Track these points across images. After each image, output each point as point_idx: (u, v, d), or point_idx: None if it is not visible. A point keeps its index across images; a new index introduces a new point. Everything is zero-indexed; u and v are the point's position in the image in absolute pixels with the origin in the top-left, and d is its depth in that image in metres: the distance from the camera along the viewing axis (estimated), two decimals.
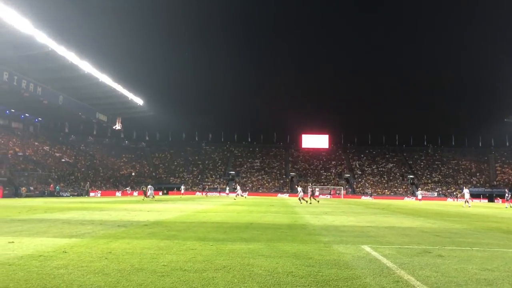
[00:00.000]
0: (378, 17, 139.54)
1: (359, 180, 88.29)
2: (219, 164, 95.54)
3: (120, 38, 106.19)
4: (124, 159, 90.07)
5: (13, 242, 8.07)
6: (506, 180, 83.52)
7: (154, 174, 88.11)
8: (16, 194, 40.17)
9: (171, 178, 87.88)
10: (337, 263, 6.48)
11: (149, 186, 41.56)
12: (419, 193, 60.55)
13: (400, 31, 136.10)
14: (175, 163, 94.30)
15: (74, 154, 72.35)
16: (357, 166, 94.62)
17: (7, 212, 17.08)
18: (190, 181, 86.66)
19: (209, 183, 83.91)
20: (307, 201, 34.12)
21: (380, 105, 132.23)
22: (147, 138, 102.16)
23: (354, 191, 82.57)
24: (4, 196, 37.77)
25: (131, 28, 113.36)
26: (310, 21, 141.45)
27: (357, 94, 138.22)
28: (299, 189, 35.17)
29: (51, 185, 45.72)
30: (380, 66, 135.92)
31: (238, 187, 55.95)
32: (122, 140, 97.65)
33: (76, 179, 57.74)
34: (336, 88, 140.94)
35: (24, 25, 40.93)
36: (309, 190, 36.92)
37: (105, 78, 59.28)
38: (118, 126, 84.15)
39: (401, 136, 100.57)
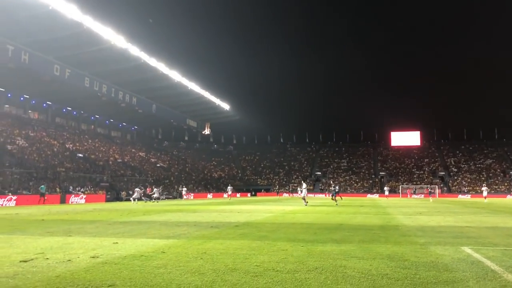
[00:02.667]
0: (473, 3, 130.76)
1: (455, 178, 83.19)
2: (304, 165, 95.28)
3: (206, 47, 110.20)
4: (213, 162, 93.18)
5: (117, 242, 8.68)
6: None
7: (241, 176, 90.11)
8: (117, 198, 43.16)
9: (258, 179, 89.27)
10: (436, 265, 6.16)
11: (156, 189, 38.40)
12: (484, 189, 54.03)
13: (497, 14, 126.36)
14: (262, 165, 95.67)
15: (168, 159, 76.16)
16: (453, 163, 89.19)
17: (110, 215, 18.41)
18: (277, 182, 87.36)
19: (295, 185, 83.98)
20: (336, 201, 31.28)
21: (475, 97, 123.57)
22: (234, 142, 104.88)
23: (450, 190, 77.95)
24: (107, 200, 40.79)
25: (217, 37, 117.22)
26: (394, 13, 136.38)
27: (449, 86, 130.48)
28: (303, 186, 29.42)
29: (148, 188, 48.52)
30: (473, 53, 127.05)
31: (304, 186, 30.56)
32: (211, 144, 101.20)
33: (171, 183, 60.70)
34: (426, 81, 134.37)
35: (119, 40, 44.08)
36: (332, 189, 34.48)
37: (193, 86, 62.02)
38: (207, 131, 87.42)
39: (501, 129, 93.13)
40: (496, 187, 77.67)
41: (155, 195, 36.65)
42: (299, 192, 36.99)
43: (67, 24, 37.98)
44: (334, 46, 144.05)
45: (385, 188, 57.78)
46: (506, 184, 78.50)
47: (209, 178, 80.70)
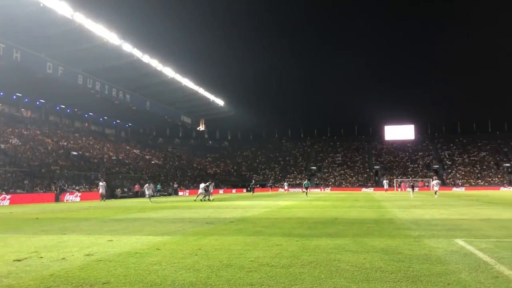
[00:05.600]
0: None
1: (449, 171, 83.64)
2: (300, 160, 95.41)
3: (199, 43, 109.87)
4: (209, 158, 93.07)
5: (112, 240, 8.68)
6: None
7: (238, 172, 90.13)
8: (113, 196, 43.04)
9: (254, 175, 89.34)
10: (429, 258, 6.21)
11: (146, 185, 33.71)
12: (386, 182, 54.35)
13: (489, 9, 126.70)
14: (257, 161, 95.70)
15: (162, 156, 76.00)
16: (447, 156, 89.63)
17: (105, 212, 18.38)
18: (273, 177, 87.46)
19: (291, 179, 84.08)
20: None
21: (468, 90, 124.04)
22: (229, 138, 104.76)
23: (444, 183, 78.33)
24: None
25: (210, 33, 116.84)
26: (388, 8, 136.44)
27: (442, 80, 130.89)
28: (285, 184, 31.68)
29: (136, 186, 48.37)
30: (466, 47, 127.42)
31: (207, 185, 31.65)
32: (206, 140, 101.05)
33: (166, 180, 60.61)
34: (420, 75, 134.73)
35: (111, 37, 43.85)
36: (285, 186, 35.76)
37: (187, 82, 61.87)
38: (201, 127, 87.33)
39: (494, 122, 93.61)
40: (490, 179, 78.22)
41: (147, 192, 34.81)
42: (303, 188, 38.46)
43: (58, 21, 37.70)
44: (329, 41, 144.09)
45: (384, 182, 57.51)
46: (499, 176, 79.04)
47: (205, 174, 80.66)
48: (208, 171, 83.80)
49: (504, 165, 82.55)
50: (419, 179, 78.81)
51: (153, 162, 68.33)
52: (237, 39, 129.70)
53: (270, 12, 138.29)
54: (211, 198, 31.33)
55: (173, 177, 64.14)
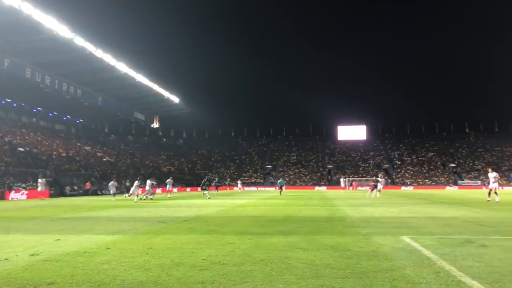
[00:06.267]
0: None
1: (399, 170, 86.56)
2: (255, 158, 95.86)
3: (154, 38, 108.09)
4: (163, 156, 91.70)
5: (59, 239, 8.40)
6: None
7: (193, 170, 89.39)
8: (62, 194, 41.66)
9: (209, 174, 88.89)
10: (376, 254, 6.41)
11: (136, 182, 29.69)
12: (343, 180, 56.70)
13: (439, 14, 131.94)
14: (213, 159, 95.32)
15: (115, 153, 74.21)
16: (396, 156, 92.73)
17: (54, 211, 17.76)
18: (228, 176, 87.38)
19: (246, 178, 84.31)
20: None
21: (418, 93, 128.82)
22: (184, 135, 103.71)
23: (393, 182, 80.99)
24: (51, 196, 39.23)
25: (165, 29, 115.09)
26: (342, 6, 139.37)
27: (393, 83, 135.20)
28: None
29: (87, 184, 47.11)
30: (418, 53, 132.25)
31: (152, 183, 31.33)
32: (160, 138, 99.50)
33: (118, 178, 59.25)
34: (372, 77, 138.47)
35: (62, 30, 42.35)
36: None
37: (141, 78, 60.74)
38: (156, 125, 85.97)
39: (441, 124, 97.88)
40: (437, 179, 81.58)
41: (112, 190, 32.96)
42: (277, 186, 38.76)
43: (4, 10, 36.03)
44: (285, 41, 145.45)
45: (341, 180, 58.85)
46: (445, 176, 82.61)
47: (158, 172, 79.43)
48: (162, 169, 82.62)
49: (449, 165, 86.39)
50: (370, 178, 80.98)
51: (105, 159, 66.60)
52: (194, 36, 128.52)
53: (228, 8, 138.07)
54: (152, 197, 29.83)
55: (125, 175, 62.77)
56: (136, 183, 29.10)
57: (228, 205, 20.67)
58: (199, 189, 39.31)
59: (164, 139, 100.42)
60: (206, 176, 37.14)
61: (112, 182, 32.71)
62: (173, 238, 8.43)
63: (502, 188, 39.70)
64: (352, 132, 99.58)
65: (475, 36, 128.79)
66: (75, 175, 50.07)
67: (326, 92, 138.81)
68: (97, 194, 47.15)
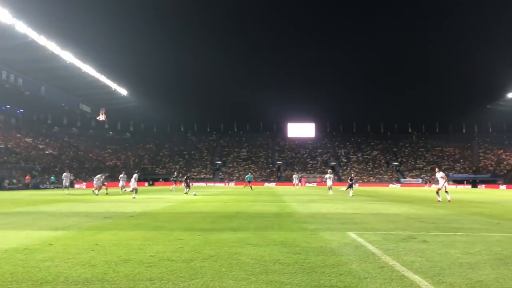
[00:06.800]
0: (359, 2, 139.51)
1: (345, 168, 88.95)
2: (205, 154, 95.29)
3: (102, 28, 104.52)
4: (109, 150, 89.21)
5: None
6: (488, 166, 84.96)
7: (140, 165, 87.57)
8: (0, 187, 39.66)
9: (157, 168, 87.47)
10: (324, 250, 6.55)
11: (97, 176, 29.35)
12: (295, 177, 58.33)
13: (383, 16, 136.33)
14: (161, 154, 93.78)
15: (58, 146, 71.40)
16: (343, 154, 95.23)
17: None
18: (176, 171, 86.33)
19: (195, 174, 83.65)
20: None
21: (364, 93, 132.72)
22: (131, 129, 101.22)
23: (340, 179, 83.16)
24: None
25: (114, 19, 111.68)
26: (293, 7, 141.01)
27: (342, 82, 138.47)
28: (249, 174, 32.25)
29: (27, 177, 45.15)
30: (365, 54, 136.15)
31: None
32: (107, 131, 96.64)
33: (61, 171, 57.08)
34: (322, 76, 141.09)
35: (3, 14, 40.12)
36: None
37: (88, 69, 58.68)
38: (102, 117, 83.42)
39: (386, 124, 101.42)
40: (381, 176, 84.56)
41: (95, 182, 29.49)
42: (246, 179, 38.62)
43: None
44: (236, 37, 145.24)
45: (294, 176, 59.50)
46: (389, 174, 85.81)
47: (104, 166, 77.27)
48: (108, 163, 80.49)
49: (393, 163, 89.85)
50: (318, 175, 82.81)
51: (47, 152, 63.96)
52: (144, 28, 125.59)
53: (179, 1, 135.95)
54: (106, 191, 29.58)
55: (69, 168, 60.54)
56: (64, 174, 28.59)
57: (176, 201, 20.44)
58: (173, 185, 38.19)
59: (111, 132, 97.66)
60: (188, 173, 36.12)
61: (65, 173, 30.87)
62: (120, 234, 8.23)
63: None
64: (301, 130, 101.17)
65: (420, 37, 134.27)
66: (14, 168, 47.77)
67: (277, 90, 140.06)
68: (39, 188, 45.28)
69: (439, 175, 21.01)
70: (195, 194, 27.53)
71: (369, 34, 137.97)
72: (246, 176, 41.99)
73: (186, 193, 28.50)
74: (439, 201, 20.09)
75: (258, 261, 5.67)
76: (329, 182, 32.36)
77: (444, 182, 20.64)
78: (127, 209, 14.93)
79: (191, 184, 31.99)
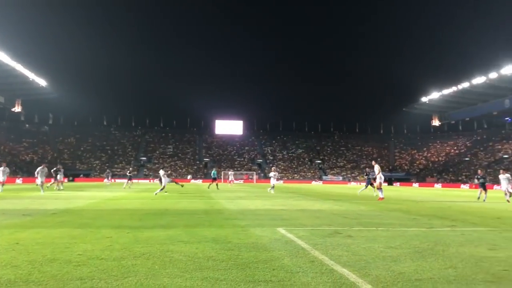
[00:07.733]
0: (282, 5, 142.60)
1: (271, 165, 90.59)
2: (129, 149, 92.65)
3: (20, 13, 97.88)
4: (24, 143, 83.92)
5: None
6: (403, 165, 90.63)
7: (59, 159, 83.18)
8: None
9: (78, 164, 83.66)
10: (256, 245, 6.66)
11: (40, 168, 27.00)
12: (231, 173, 59.31)
13: (305, 19, 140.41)
14: (82, 149, 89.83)
15: None
16: (269, 151, 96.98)
17: None
18: (98, 167, 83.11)
19: (118, 170, 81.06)
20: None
21: (290, 92, 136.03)
22: (50, 122, 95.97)
23: (266, 176, 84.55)
24: None
25: (37, 5, 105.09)
26: (220, 2, 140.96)
27: (270, 81, 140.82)
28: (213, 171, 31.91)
29: None
30: (293, 56, 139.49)
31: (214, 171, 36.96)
32: (22, 123, 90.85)
33: None
34: (250, 74, 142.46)
35: None
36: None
37: (2, 56, 54.69)
38: (17, 109, 78.37)
39: (310, 123, 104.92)
40: (304, 174, 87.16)
41: (40, 179, 26.43)
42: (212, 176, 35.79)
43: None
44: (165, 33, 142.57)
45: (230, 173, 59.50)
46: (312, 171, 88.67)
47: (19, 161, 72.57)
48: (24, 158, 75.69)
49: (316, 161, 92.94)
50: (244, 172, 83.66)
51: None
52: (68, 18, 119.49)
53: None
54: (61, 187, 29.66)
55: None
56: (39, 168, 26.63)
57: (99, 198, 19.72)
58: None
59: (27, 125, 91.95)
60: (58, 165, 33.57)
61: (40, 168, 27.42)
62: (43, 232, 7.81)
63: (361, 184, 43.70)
64: (229, 127, 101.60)
65: (345, 44, 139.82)
66: None
67: (205, 86, 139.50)
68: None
69: (377, 167, 20.02)
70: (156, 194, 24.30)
71: (296, 36, 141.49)
72: (212, 172, 38.08)
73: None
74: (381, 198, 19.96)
75: (191, 258, 5.66)
76: (273, 181, 30.02)
77: (382, 178, 19.87)
78: (48, 206, 14.17)
79: (130, 181, 31.40)
